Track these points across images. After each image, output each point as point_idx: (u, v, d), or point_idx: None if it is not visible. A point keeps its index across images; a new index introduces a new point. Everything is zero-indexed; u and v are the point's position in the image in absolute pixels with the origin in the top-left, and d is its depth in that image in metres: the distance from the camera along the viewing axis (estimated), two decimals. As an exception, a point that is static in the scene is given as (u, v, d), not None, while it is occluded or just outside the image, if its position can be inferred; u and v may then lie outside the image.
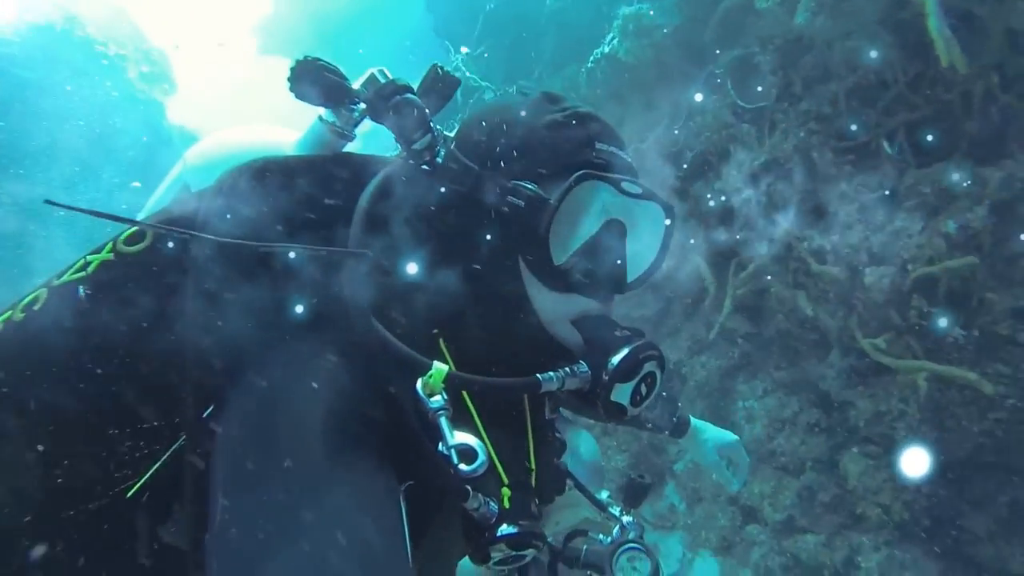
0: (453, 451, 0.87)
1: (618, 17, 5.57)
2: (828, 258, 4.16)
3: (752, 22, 4.61)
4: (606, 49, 5.68)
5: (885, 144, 3.95)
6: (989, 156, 3.57)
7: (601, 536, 1.35)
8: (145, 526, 0.94)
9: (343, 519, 0.75)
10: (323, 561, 0.70)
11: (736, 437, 1.96)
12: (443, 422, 0.88)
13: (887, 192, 3.94)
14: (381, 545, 0.76)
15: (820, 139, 4.10)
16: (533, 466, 1.04)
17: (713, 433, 1.96)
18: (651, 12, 5.37)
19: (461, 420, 0.92)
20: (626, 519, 1.38)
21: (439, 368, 0.88)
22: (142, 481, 0.92)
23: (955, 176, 3.54)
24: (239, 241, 0.90)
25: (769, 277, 4.65)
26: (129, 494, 0.92)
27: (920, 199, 3.64)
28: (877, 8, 3.43)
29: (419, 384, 0.88)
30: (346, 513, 0.76)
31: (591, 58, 5.94)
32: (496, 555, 0.95)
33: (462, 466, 0.86)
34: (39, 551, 0.89)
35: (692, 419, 1.94)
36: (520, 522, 0.94)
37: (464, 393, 0.96)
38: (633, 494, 1.43)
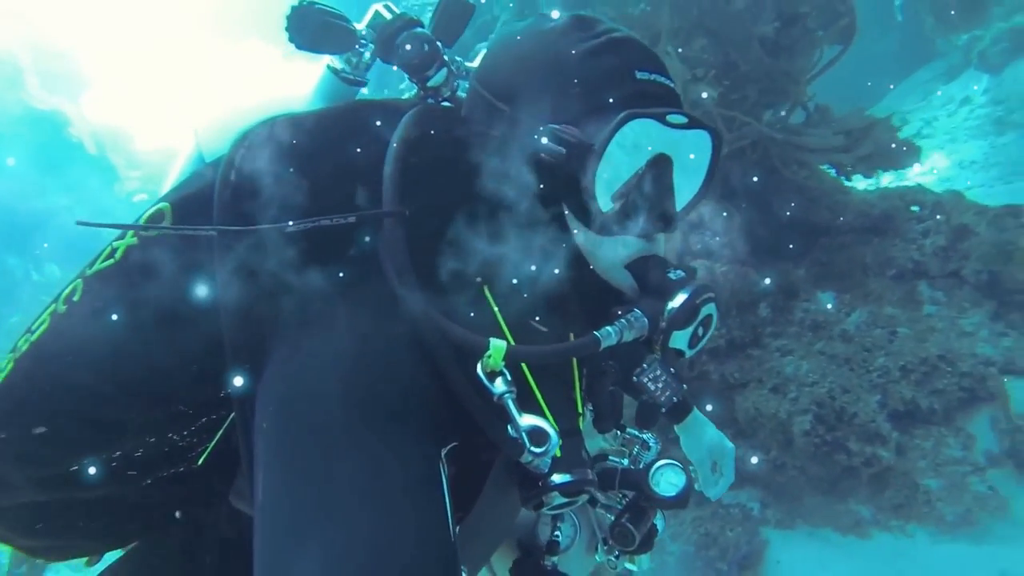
0: (525, 435, 0.84)
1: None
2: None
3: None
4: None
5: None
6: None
7: (623, 460, 1.36)
8: (217, 490, 0.96)
9: (381, 495, 0.74)
10: (361, 540, 0.71)
11: (732, 447, 1.80)
12: (511, 405, 0.84)
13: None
14: (419, 518, 0.75)
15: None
16: (581, 409, 1.01)
17: (712, 432, 1.80)
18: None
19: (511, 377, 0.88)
20: (647, 436, 1.38)
21: (497, 346, 0.83)
22: (209, 448, 0.94)
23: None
24: (258, 227, 0.86)
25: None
26: (200, 460, 0.94)
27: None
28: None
29: (479, 368, 0.84)
30: (383, 488, 0.75)
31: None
32: (550, 503, 0.95)
33: (534, 448, 0.84)
34: (123, 516, 0.94)
35: (695, 410, 1.80)
36: (573, 470, 0.92)
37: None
38: (646, 416, 1.51)
